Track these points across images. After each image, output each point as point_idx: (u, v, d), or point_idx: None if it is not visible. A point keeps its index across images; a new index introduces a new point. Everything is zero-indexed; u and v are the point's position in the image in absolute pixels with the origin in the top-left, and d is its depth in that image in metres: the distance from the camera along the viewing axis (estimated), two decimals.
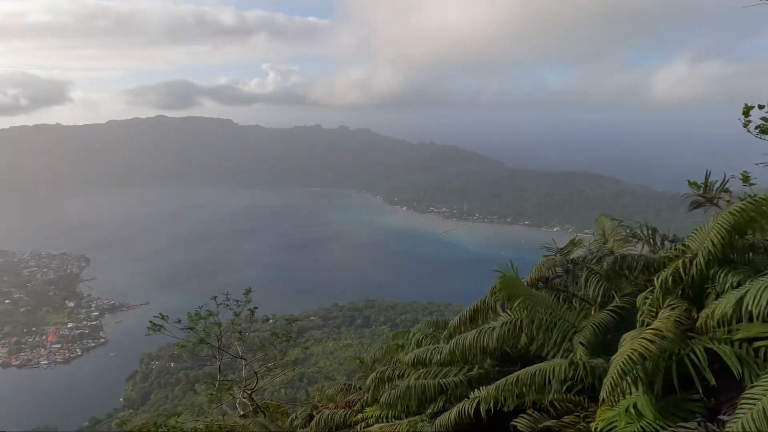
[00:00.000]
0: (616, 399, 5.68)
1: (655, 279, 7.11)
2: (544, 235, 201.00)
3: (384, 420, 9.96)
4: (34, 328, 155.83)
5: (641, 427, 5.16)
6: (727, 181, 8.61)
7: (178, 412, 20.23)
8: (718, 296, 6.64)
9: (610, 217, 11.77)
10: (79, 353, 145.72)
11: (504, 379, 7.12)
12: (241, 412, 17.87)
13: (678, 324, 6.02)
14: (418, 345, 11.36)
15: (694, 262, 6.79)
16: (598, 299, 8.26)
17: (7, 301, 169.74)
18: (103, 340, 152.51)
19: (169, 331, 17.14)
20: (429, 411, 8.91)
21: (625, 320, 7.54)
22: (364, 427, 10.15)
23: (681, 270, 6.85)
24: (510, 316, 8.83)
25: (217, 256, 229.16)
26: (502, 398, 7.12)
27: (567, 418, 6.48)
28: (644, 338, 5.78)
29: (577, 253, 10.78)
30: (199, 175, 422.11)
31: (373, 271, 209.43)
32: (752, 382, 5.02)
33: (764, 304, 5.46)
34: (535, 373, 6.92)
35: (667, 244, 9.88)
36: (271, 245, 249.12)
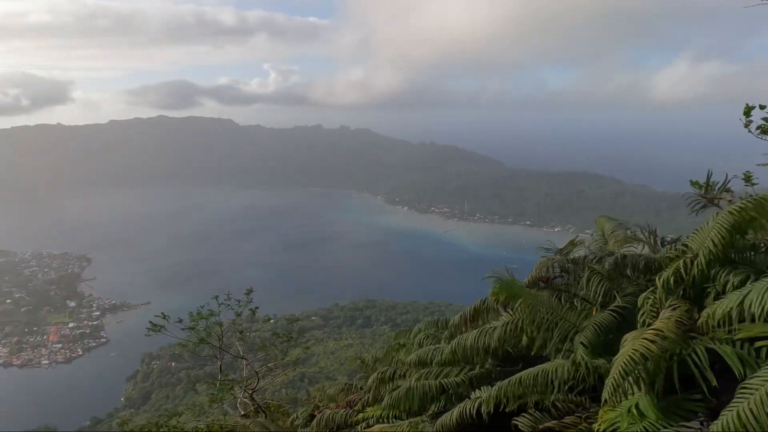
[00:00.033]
0: (619, 399, 5.68)
1: (657, 279, 7.12)
2: (544, 235, 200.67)
3: (385, 420, 9.97)
4: (35, 328, 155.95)
5: (644, 427, 5.16)
6: (729, 181, 8.59)
7: (179, 411, 20.24)
8: (717, 296, 6.65)
9: (609, 217, 11.77)
10: (80, 353, 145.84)
11: (506, 381, 7.13)
12: (242, 412, 17.89)
13: (679, 324, 6.02)
14: (420, 345, 11.37)
15: (695, 262, 6.80)
16: (600, 299, 8.26)
17: (8, 301, 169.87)
18: (104, 340, 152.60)
19: (170, 331, 17.16)
20: (430, 411, 8.92)
21: (626, 320, 7.54)
22: (365, 427, 10.15)
23: (682, 270, 6.85)
24: (511, 316, 8.84)
25: (218, 256, 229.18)
26: (504, 399, 7.12)
27: (568, 419, 6.48)
28: (645, 338, 5.78)
29: (577, 253, 10.78)
30: (200, 175, 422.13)
31: (374, 271, 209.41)
32: None
33: (767, 305, 5.47)
34: (537, 374, 6.92)
35: (666, 244, 9.89)
36: (271, 245, 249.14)
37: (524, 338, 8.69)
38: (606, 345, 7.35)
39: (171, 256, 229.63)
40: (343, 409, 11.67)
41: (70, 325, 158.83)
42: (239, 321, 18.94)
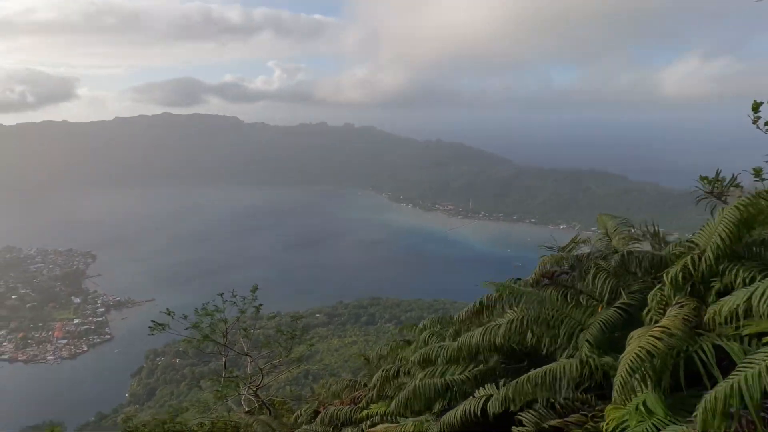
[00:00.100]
0: (627, 397, 5.65)
1: (665, 275, 7.07)
2: (550, 233, 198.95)
3: (389, 417, 9.96)
4: (40, 324, 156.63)
5: (653, 424, 5.13)
6: (736, 176, 8.54)
7: (184, 407, 20.30)
8: (720, 291, 6.60)
9: (611, 215, 11.71)
10: (85, 349, 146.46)
11: (513, 382, 7.06)
12: (247, 409, 17.92)
13: (686, 322, 5.98)
14: (425, 343, 11.33)
15: (703, 258, 6.74)
16: (606, 296, 8.22)
17: (13, 297, 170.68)
18: (108, 336, 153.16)
19: (174, 329, 17.19)
20: (435, 409, 8.89)
21: (632, 317, 7.50)
22: (369, 425, 10.14)
23: (690, 266, 6.80)
24: (516, 313, 8.80)
25: (222, 254, 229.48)
26: (512, 399, 7.06)
27: (573, 417, 6.43)
28: (652, 336, 5.75)
29: (580, 250, 10.75)
30: (204, 173, 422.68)
31: (378, 269, 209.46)
32: None
33: None
34: (545, 373, 6.86)
35: (671, 242, 9.84)
36: (276, 243, 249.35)
37: (529, 335, 8.65)
38: (612, 342, 7.31)
39: (175, 253, 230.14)
40: (348, 406, 11.65)
41: (75, 321, 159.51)
42: (243, 318, 18.99)
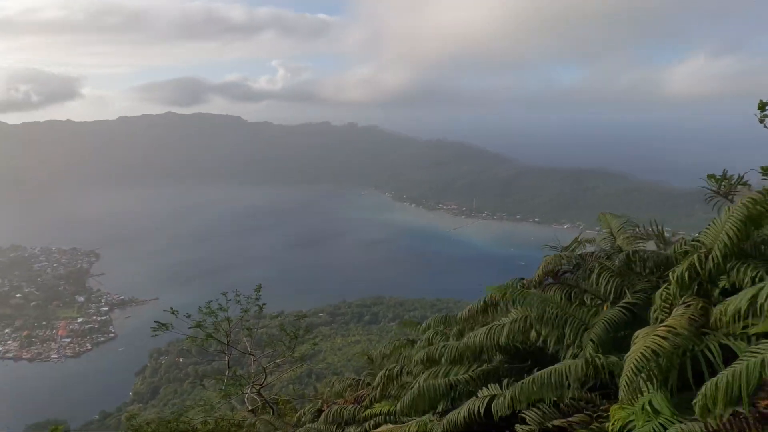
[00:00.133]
0: (633, 397, 5.61)
1: (671, 274, 7.03)
2: (553, 232, 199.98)
3: (392, 416, 9.94)
4: (44, 322, 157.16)
5: (660, 423, 5.09)
6: (743, 176, 8.49)
7: (187, 406, 20.30)
8: (727, 290, 6.56)
9: (614, 214, 11.65)
10: (89, 347, 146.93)
11: (519, 383, 7.01)
12: (250, 408, 17.93)
13: (692, 321, 5.94)
14: (429, 342, 11.30)
15: (710, 256, 6.70)
16: (610, 296, 8.18)
17: (18, 296, 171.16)
18: (112, 335, 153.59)
19: (177, 328, 17.21)
20: (439, 408, 8.86)
21: (637, 317, 7.46)
22: (372, 424, 10.12)
23: (697, 264, 6.76)
24: (519, 312, 8.76)
25: (226, 253, 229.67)
26: (519, 401, 7.00)
27: (576, 417, 6.39)
28: (657, 335, 5.72)
29: (583, 249, 10.70)
30: (207, 172, 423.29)
31: (382, 268, 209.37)
32: None
33: None
34: (550, 373, 6.80)
35: (674, 242, 9.78)
36: (280, 242, 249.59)
37: (533, 334, 8.62)
38: (616, 342, 7.28)
39: (178, 252, 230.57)
40: (351, 405, 11.63)
41: (79, 320, 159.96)
42: (247, 317, 19.01)
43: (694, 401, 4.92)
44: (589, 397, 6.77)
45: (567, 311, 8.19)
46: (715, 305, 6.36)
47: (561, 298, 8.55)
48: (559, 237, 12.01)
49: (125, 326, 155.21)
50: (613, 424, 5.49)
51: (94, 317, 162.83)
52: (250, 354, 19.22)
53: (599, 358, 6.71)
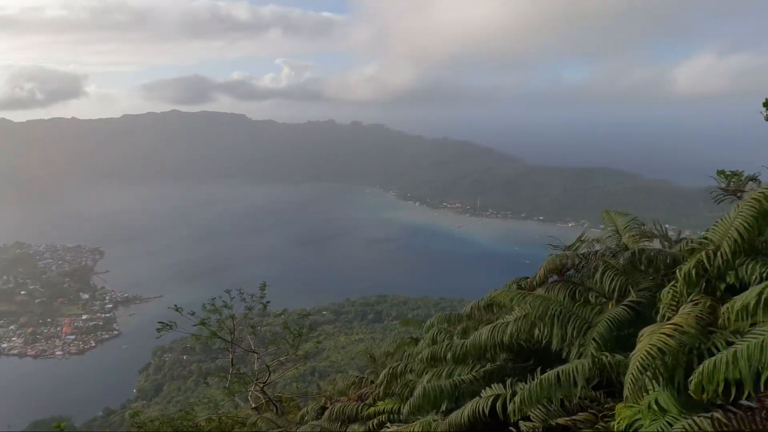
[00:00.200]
0: (638, 395, 5.57)
1: (678, 271, 6.97)
2: (558, 230, 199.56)
3: (396, 414, 9.94)
4: (49, 319, 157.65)
5: (667, 422, 5.05)
6: (757, 175, 8.41)
7: (191, 404, 20.33)
8: (736, 287, 6.51)
9: (620, 213, 11.58)
10: (93, 345, 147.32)
11: (527, 387, 6.95)
12: (254, 405, 17.94)
13: (699, 319, 5.89)
14: (434, 341, 11.28)
15: (719, 253, 6.63)
16: (615, 294, 8.14)
17: (23, 292, 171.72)
18: (116, 332, 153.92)
19: (181, 326, 17.23)
20: (443, 408, 8.83)
21: (641, 315, 7.41)
22: (376, 423, 10.12)
23: (705, 261, 6.69)
24: (523, 310, 8.73)
25: (230, 251, 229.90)
26: (528, 403, 6.93)
27: (581, 415, 6.35)
28: (664, 333, 5.67)
29: (589, 248, 10.65)
30: (212, 170, 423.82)
31: (386, 267, 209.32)
32: None
33: None
34: (558, 374, 6.74)
35: (680, 239, 9.73)
36: (283, 240, 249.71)
37: (536, 333, 8.59)
38: (620, 340, 7.23)
39: (182, 250, 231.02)
40: (354, 403, 11.63)
41: (84, 317, 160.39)
42: (251, 315, 19.02)
43: (691, 378, 4.88)
44: (594, 395, 6.73)
45: (570, 309, 8.15)
46: (723, 303, 6.30)
47: (565, 297, 8.51)
48: (563, 235, 11.97)
49: (129, 324, 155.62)
50: (618, 422, 5.45)
51: (99, 314, 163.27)
52: (253, 352, 19.25)
53: (606, 356, 6.67)
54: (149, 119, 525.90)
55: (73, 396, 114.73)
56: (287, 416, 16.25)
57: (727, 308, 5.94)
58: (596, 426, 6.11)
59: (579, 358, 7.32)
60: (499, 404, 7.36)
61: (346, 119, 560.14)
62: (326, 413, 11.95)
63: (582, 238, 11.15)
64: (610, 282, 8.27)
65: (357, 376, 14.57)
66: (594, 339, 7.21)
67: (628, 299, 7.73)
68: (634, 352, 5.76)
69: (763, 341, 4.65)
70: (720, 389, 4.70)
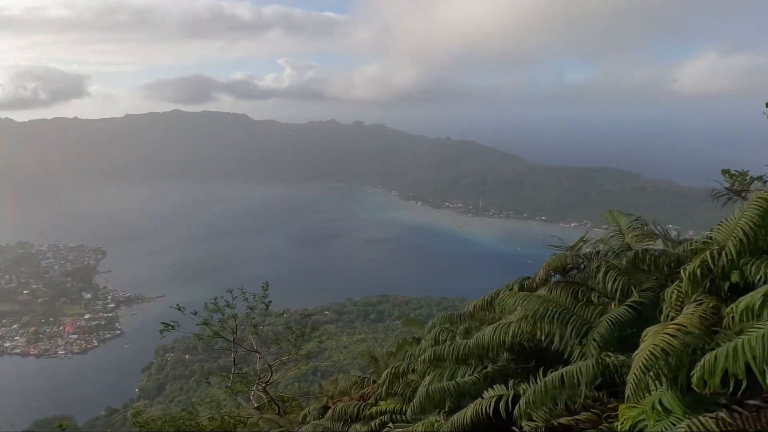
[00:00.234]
0: (641, 395, 5.55)
1: (682, 271, 6.94)
2: (560, 230, 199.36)
3: (398, 414, 9.93)
4: (51, 319, 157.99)
5: (671, 423, 5.04)
6: (764, 177, 8.38)
7: (194, 403, 20.36)
8: (740, 287, 6.48)
9: (622, 212, 11.56)
10: (96, 344, 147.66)
11: (531, 389, 6.93)
12: (256, 405, 17.95)
13: (703, 319, 5.87)
14: (436, 341, 11.27)
15: (723, 253, 6.61)
16: (617, 294, 8.11)
17: (25, 292, 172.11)
18: (118, 332, 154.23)
19: (183, 326, 17.24)
20: (445, 408, 8.83)
21: (644, 316, 7.39)
22: (378, 423, 10.11)
23: (710, 261, 6.67)
24: (524, 310, 8.71)
25: (232, 251, 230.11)
26: (534, 406, 6.91)
27: (583, 415, 6.33)
28: (667, 333, 5.65)
29: (591, 248, 10.63)
30: (214, 170, 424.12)
31: (388, 267, 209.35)
32: None
33: None
34: (562, 376, 6.73)
35: (683, 240, 9.70)
36: (285, 240, 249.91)
37: (538, 333, 8.57)
38: (622, 340, 7.21)
39: (184, 250, 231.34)
40: (357, 402, 11.63)
41: (86, 316, 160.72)
42: (253, 315, 19.03)
43: (693, 372, 4.86)
44: (597, 395, 6.71)
45: (572, 310, 8.13)
46: (727, 303, 6.28)
47: (567, 297, 8.48)
48: (565, 235, 11.94)
49: (131, 323, 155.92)
50: (622, 423, 5.43)
51: (101, 314, 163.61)
52: (256, 351, 19.23)
53: (609, 357, 6.65)
54: (151, 119, 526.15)
55: (75, 395, 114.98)
56: (289, 416, 16.26)
57: (732, 308, 5.92)
58: (599, 426, 6.09)
59: (581, 358, 7.29)
60: (501, 405, 7.35)
61: (347, 119, 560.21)
62: (328, 413, 11.95)
63: (585, 238, 11.13)
64: (613, 282, 8.24)
65: (359, 376, 14.57)
66: (594, 339, 7.19)
67: (630, 299, 7.71)
68: (637, 352, 5.74)
69: (764, 334, 4.63)
70: (717, 382, 4.68)
